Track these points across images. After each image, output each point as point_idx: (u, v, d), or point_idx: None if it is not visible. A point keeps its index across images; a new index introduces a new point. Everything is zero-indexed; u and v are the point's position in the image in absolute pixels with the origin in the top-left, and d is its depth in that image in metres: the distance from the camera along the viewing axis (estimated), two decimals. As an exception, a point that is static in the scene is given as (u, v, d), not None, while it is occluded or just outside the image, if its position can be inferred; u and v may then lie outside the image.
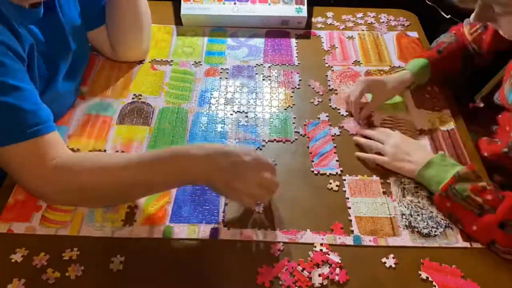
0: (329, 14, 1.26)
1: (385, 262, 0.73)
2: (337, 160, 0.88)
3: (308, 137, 0.93)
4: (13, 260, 0.71)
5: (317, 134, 0.93)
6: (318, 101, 1.00)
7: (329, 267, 0.72)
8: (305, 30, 1.20)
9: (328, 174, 0.86)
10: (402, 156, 0.84)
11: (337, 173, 0.86)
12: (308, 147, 0.91)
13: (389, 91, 0.96)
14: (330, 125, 0.95)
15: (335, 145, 0.91)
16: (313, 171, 0.86)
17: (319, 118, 0.97)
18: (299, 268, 0.72)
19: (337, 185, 0.83)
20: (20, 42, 0.72)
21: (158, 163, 0.71)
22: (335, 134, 0.93)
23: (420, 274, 0.71)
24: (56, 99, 0.86)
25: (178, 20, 1.20)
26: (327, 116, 0.97)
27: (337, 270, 0.72)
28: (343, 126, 0.95)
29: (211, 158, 0.70)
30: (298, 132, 0.93)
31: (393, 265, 0.72)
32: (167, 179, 0.72)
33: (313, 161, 0.88)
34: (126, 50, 1.04)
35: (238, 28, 1.20)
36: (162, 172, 0.71)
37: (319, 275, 0.71)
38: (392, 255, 0.73)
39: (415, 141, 0.89)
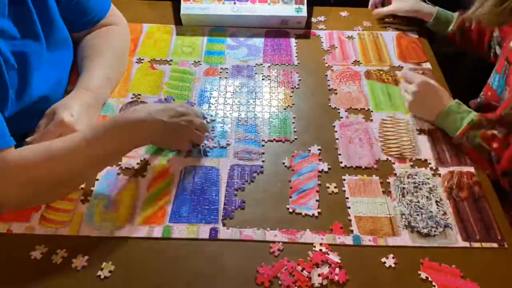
0: (329, 14, 1.26)
1: (384, 262, 0.73)
2: (317, 200, 0.81)
3: (293, 170, 0.86)
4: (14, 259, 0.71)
5: (303, 167, 0.87)
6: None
7: (328, 267, 0.72)
8: (304, 30, 1.20)
9: (303, 214, 0.79)
10: (424, 102, 0.92)
11: (313, 214, 0.79)
12: (289, 181, 0.84)
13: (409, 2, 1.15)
14: (320, 159, 0.88)
15: (319, 182, 0.84)
16: (288, 208, 0.80)
17: (309, 150, 0.90)
18: (299, 268, 0.72)
19: (335, 186, 0.83)
20: None
21: (105, 136, 0.75)
22: (322, 170, 0.86)
23: (420, 274, 0.71)
24: (36, 102, 0.84)
25: (177, 20, 1.20)
26: (318, 150, 0.89)
27: (337, 270, 0.71)
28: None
29: (153, 120, 0.77)
30: (284, 163, 0.87)
31: (393, 265, 0.72)
32: (118, 148, 0.77)
33: (291, 197, 0.81)
34: None
35: (238, 28, 1.20)
36: (112, 143, 0.76)
37: (319, 275, 0.71)
38: (391, 255, 0.73)
39: (439, 89, 0.93)
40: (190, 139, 0.86)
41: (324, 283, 0.70)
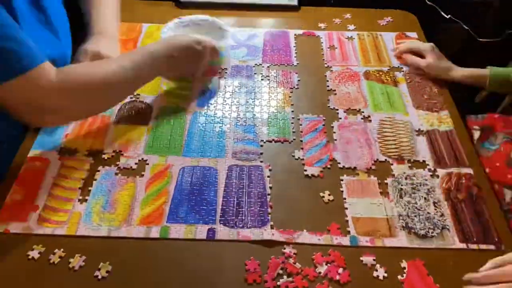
0: (329, 14, 1.25)
1: (376, 272, 0.72)
2: None
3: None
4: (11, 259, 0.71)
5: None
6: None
7: (327, 266, 0.72)
8: (304, 30, 1.20)
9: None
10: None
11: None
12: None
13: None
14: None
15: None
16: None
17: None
18: (296, 267, 0.72)
19: (329, 194, 0.82)
20: None
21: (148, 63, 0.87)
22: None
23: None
24: None
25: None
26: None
27: (340, 270, 0.71)
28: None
29: (175, 58, 0.90)
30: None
31: (381, 278, 0.71)
32: (149, 74, 0.90)
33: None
34: None
35: (238, 28, 1.19)
36: (149, 69, 0.88)
37: (318, 275, 0.71)
38: (378, 265, 0.72)
39: None
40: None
41: (323, 283, 0.70)
